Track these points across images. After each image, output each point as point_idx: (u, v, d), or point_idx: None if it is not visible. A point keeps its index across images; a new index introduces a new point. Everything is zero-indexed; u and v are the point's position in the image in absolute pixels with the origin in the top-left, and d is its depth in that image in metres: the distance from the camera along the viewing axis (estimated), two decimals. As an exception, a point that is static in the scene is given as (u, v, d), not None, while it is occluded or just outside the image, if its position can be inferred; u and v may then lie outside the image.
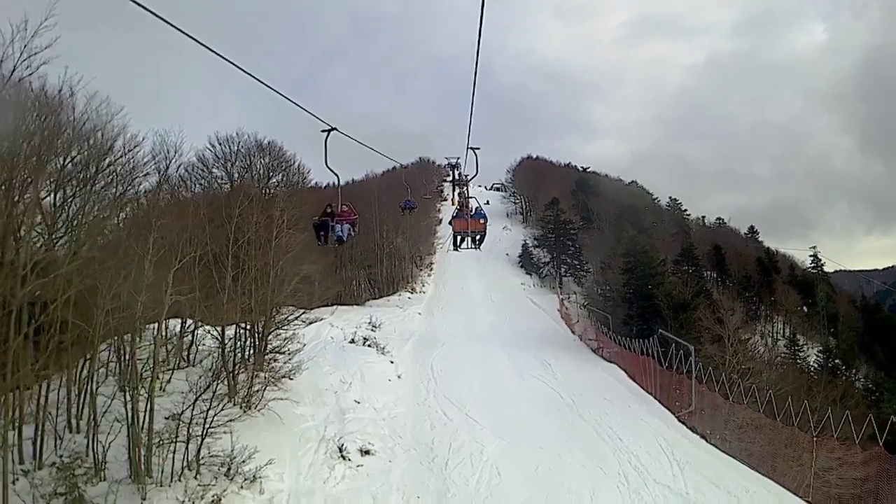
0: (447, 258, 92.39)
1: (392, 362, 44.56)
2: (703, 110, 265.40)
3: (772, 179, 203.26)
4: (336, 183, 22.68)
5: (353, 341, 47.59)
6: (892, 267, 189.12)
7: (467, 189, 27.49)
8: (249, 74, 10.02)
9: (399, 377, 41.84)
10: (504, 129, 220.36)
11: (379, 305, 67.78)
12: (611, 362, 51.13)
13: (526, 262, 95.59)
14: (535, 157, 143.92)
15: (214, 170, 58.60)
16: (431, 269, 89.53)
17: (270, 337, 34.36)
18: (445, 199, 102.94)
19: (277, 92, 11.49)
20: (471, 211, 25.12)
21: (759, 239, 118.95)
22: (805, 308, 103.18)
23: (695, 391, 38.98)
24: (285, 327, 34.88)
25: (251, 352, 33.38)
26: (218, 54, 8.72)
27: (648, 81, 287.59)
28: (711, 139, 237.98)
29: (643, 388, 43.94)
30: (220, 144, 58.32)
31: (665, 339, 50.80)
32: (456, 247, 25.63)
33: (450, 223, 26.12)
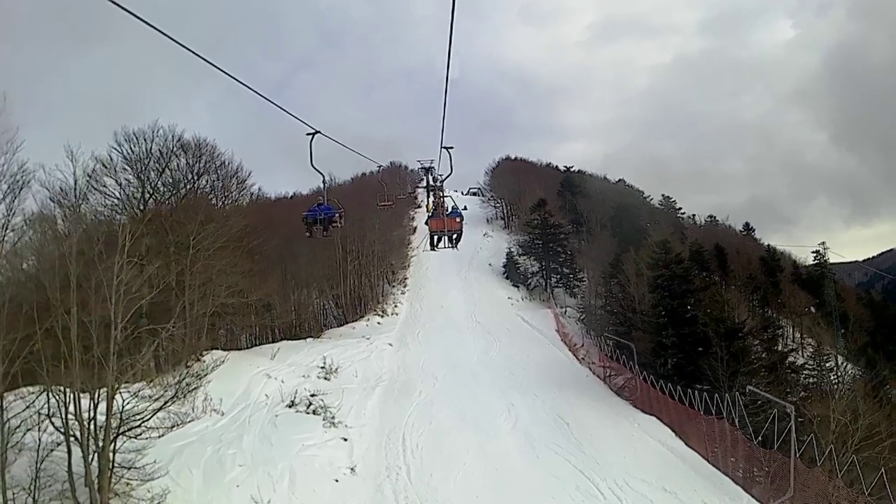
0: (423, 272, 77.46)
1: (345, 439, 29.18)
2: (674, 110, 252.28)
3: (746, 177, 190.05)
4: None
5: (292, 404, 32.17)
6: (873, 258, 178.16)
7: (442, 188, 24.62)
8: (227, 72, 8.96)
9: (353, 470, 26.41)
10: (476, 134, 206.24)
11: (341, 336, 51.95)
12: (647, 413, 35.80)
13: (512, 272, 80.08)
14: (514, 157, 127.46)
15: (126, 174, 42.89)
16: (406, 286, 73.79)
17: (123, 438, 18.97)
18: (420, 206, 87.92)
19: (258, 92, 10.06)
20: (446, 210, 23.27)
21: (756, 237, 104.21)
22: (813, 309, 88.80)
23: (793, 473, 24.48)
24: (139, 431, 19.20)
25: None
26: (202, 57, 8.11)
27: (617, 83, 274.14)
28: (683, 139, 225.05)
29: (705, 459, 29.15)
30: (127, 142, 42.70)
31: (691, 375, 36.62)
32: (433, 247, 23.59)
33: (426, 223, 24.07)
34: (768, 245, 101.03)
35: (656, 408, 35.72)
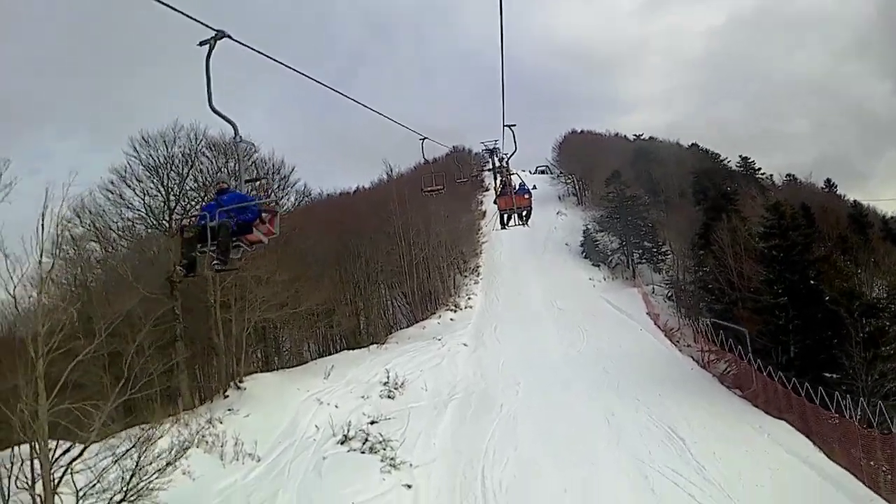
0: (496, 257, 71.15)
1: (409, 486, 22.92)
2: (732, 72, 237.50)
3: (811, 134, 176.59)
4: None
5: (345, 439, 26.08)
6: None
7: (508, 166, 22.09)
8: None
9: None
10: (535, 114, 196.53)
11: (409, 339, 45.66)
12: (774, 416, 28.69)
13: (590, 250, 73.00)
14: (580, 130, 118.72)
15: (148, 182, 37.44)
16: (479, 274, 67.30)
17: None
18: (488, 189, 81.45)
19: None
20: (514, 187, 21.42)
21: (839, 193, 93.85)
22: (905, 268, 78.61)
23: None
24: None
25: None
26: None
27: (672, 50, 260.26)
28: (744, 100, 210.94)
29: (861, 480, 22.27)
30: (145, 147, 37.28)
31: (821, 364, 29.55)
32: (504, 225, 21.63)
33: (494, 202, 22.68)
34: (854, 200, 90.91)
35: (784, 408, 28.68)
